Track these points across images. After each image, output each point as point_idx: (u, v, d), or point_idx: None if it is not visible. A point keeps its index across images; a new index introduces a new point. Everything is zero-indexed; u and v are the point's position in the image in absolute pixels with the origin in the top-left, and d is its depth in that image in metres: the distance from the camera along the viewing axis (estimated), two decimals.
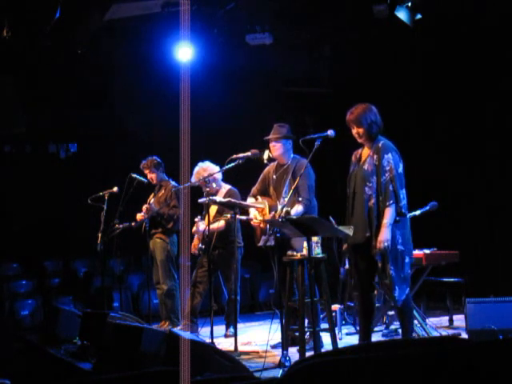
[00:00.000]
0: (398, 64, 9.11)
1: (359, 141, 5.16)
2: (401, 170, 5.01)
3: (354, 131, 5.14)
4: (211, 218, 7.11)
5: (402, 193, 4.98)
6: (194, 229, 7.15)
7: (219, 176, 7.16)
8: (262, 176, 6.54)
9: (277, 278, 6.12)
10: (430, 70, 8.94)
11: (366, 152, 5.16)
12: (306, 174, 6.03)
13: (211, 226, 6.95)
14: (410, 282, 5.10)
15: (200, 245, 6.97)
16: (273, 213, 6.08)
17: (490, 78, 8.49)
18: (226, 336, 7.07)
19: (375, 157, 5.03)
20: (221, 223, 7.00)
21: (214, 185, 6.95)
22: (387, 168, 4.96)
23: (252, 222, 6.35)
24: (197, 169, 7.08)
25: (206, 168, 7.01)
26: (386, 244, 4.88)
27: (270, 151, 6.34)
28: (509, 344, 2.58)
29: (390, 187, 4.93)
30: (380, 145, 5.05)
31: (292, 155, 6.36)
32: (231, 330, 6.94)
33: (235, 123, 10.01)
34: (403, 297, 4.97)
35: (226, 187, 7.21)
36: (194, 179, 6.88)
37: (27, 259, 9.91)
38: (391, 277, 4.92)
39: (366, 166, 5.08)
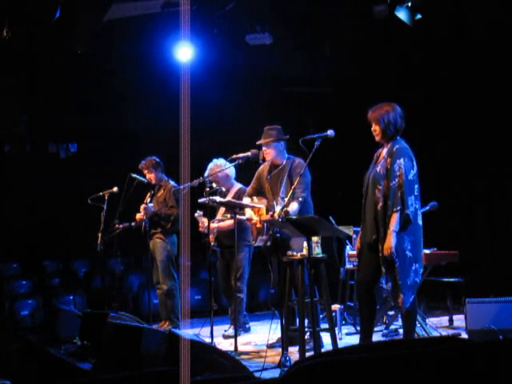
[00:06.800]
0: (398, 64, 9.11)
1: (376, 138, 5.11)
2: (411, 176, 4.91)
3: (372, 128, 5.09)
4: (221, 215, 7.15)
5: (411, 200, 4.87)
6: (201, 228, 7.17)
7: (232, 174, 7.19)
8: (256, 175, 6.56)
9: (274, 278, 6.13)
10: (430, 69, 8.95)
11: (383, 153, 5.11)
12: (303, 173, 6.03)
13: (221, 225, 7.00)
14: (416, 290, 4.99)
15: (213, 244, 6.95)
16: (271, 213, 6.09)
17: (491, 78, 8.49)
18: (224, 337, 7.05)
19: (388, 160, 4.96)
20: (229, 221, 7.01)
21: (214, 185, 6.95)
22: (397, 173, 4.88)
23: (249, 222, 6.37)
24: (211, 165, 7.12)
25: (220, 165, 7.04)
26: (390, 251, 4.83)
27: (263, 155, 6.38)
28: (509, 344, 2.58)
29: (399, 193, 4.85)
30: (395, 149, 4.97)
31: (286, 155, 6.37)
32: (230, 330, 6.94)
33: (235, 123, 10.02)
34: (408, 304, 4.90)
35: (237, 186, 7.24)
36: (206, 174, 6.88)
37: (27, 259, 9.91)
38: (397, 283, 4.86)
39: (378, 168, 5.03)
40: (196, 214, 7.08)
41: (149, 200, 7.53)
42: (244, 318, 7.21)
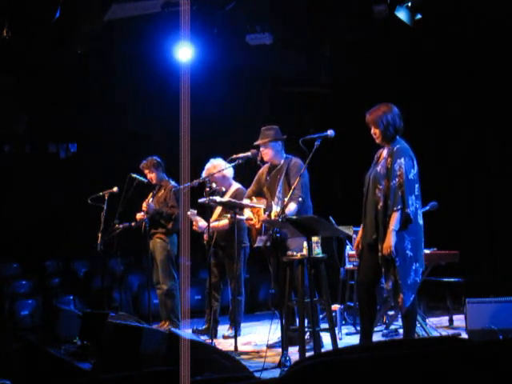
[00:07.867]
0: (398, 64, 9.11)
1: (377, 141, 5.12)
2: (412, 176, 4.91)
3: (372, 131, 5.10)
4: (217, 216, 7.13)
5: (411, 199, 4.87)
6: (195, 227, 7.15)
7: (230, 175, 7.16)
8: (256, 177, 6.57)
9: (274, 278, 6.13)
10: (430, 70, 8.94)
11: (383, 154, 5.11)
12: (302, 173, 6.03)
13: (215, 225, 6.97)
14: (416, 290, 4.98)
15: (212, 248, 6.88)
16: (267, 213, 6.09)
17: (491, 78, 8.49)
18: (223, 337, 7.04)
19: (388, 160, 4.97)
20: (224, 222, 6.98)
21: (214, 184, 6.93)
22: (398, 173, 4.89)
23: (247, 223, 6.36)
24: (208, 165, 7.09)
25: (217, 165, 7.01)
26: (390, 250, 4.83)
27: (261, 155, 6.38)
28: (509, 344, 2.58)
29: (399, 192, 4.85)
30: (395, 149, 4.98)
31: (284, 155, 6.37)
32: (230, 331, 6.93)
33: (235, 123, 10.01)
34: (408, 304, 4.89)
35: (235, 186, 7.21)
36: (204, 175, 6.87)
37: (27, 259, 9.90)
38: (397, 282, 4.86)
39: (379, 168, 5.03)
40: (189, 213, 7.04)
41: (151, 200, 7.54)
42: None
